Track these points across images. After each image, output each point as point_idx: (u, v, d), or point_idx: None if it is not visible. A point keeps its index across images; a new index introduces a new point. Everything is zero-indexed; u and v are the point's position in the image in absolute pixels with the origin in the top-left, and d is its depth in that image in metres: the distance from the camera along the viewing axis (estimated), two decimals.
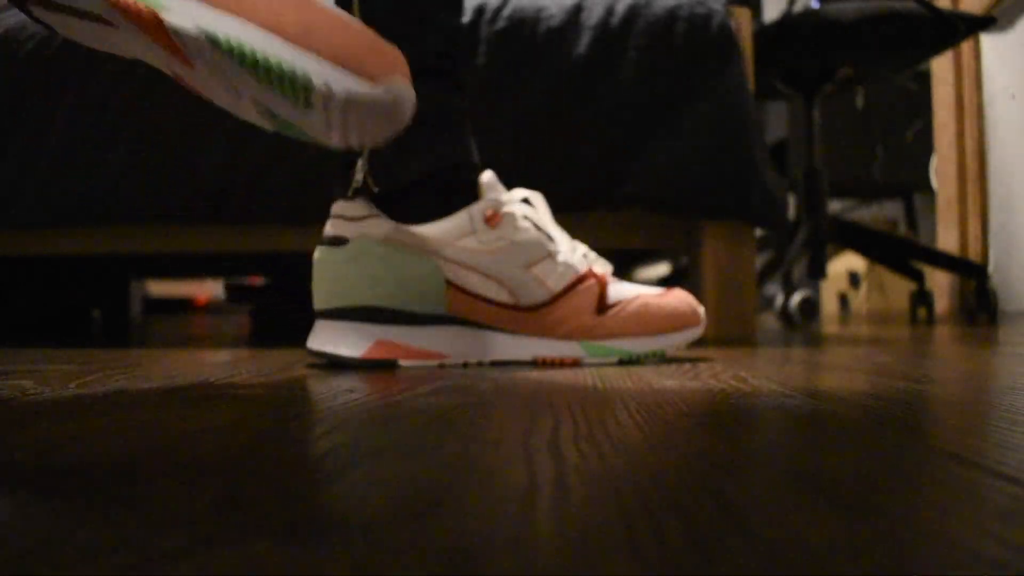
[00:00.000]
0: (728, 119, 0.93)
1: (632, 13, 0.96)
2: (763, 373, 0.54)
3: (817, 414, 0.34)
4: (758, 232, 1.04)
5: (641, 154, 0.93)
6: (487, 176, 0.64)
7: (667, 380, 0.49)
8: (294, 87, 0.34)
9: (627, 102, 0.93)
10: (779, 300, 1.43)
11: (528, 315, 0.63)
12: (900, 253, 1.63)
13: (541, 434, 0.30)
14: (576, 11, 0.97)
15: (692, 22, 0.95)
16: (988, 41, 1.85)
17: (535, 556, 0.16)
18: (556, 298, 0.63)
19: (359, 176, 0.60)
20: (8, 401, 0.40)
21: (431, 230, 0.61)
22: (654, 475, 0.23)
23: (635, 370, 0.57)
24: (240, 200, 0.95)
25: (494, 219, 0.62)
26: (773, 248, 1.48)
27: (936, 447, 0.27)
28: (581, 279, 0.64)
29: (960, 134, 1.94)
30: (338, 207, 0.60)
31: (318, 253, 0.61)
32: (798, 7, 1.37)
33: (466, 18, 0.96)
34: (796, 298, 1.40)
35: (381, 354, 0.60)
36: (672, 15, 0.95)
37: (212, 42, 0.35)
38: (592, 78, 0.94)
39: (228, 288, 2.23)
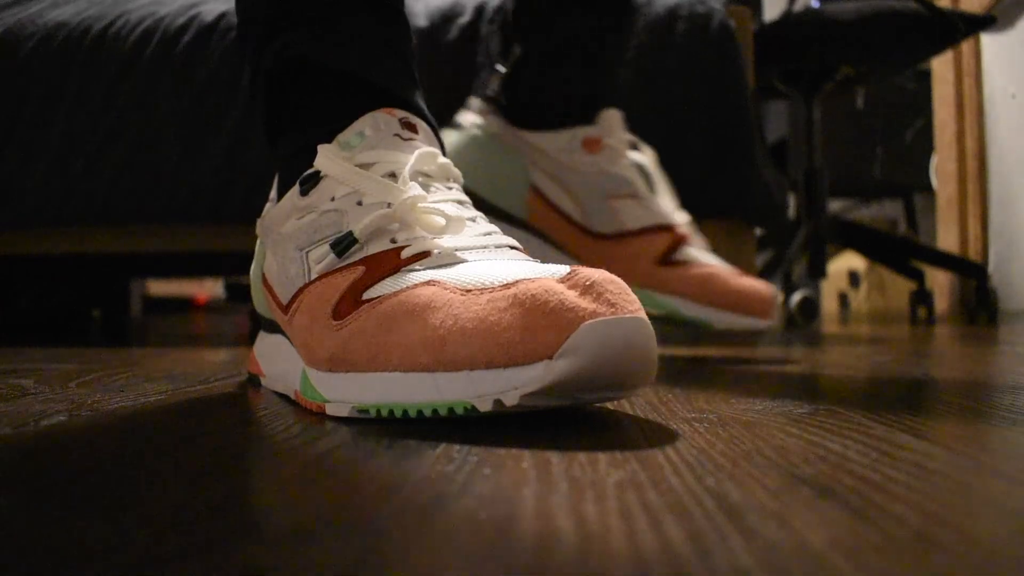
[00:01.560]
0: (728, 118, 0.93)
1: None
2: (763, 373, 0.54)
3: (817, 414, 0.34)
4: (758, 232, 1.04)
5: None
6: (611, 112, 0.67)
7: (665, 379, 0.49)
8: (461, 411, 0.30)
9: (627, 101, 0.93)
10: (779, 300, 1.43)
11: (593, 243, 0.64)
12: (900, 253, 1.63)
13: (540, 433, 0.30)
14: None
15: (692, 21, 0.95)
16: (988, 41, 1.85)
17: (535, 556, 0.16)
18: (623, 235, 0.63)
19: (493, 88, 0.67)
20: (8, 400, 0.40)
21: (533, 137, 0.65)
22: (654, 475, 0.23)
23: None
24: (240, 200, 0.95)
25: (594, 145, 0.65)
26: (773, 248, 1.48)
27: (936, 447, 0.27)
28: (656, 228, 0.64)
29: (960, 134, 1.94)
30: (471, 103, 0.68)
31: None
32: (798, 7, 1.37)
33: (466, 18, 0.96)
34: (796, 298, 1.40)
35: None
36: (672, 14, 0.95)
37: (361, 412, 0.33)
38: None
39: (228, 287, 2.24)
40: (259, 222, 0.45)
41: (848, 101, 2.27)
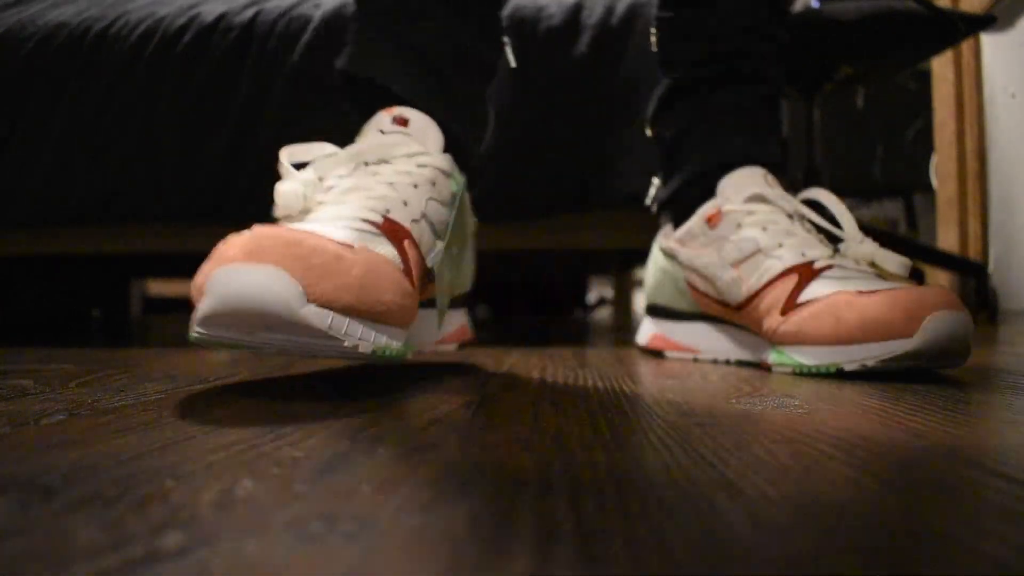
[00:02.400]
0: None
1: (632, 12, 0.96)
2: (763, 373, 0.54)
3: (817, 414, 0.34)
4: None
5: (641, 153, 0.93)
6: (734, 175, 0.64)
7: (667, 380, 0.49)
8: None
9: (627, 101, 0.93)
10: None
11: (738, 315, 0.60)
12: (900, 252, 1.63)
13: (541, 433, 0.30)
14: (576, 10, 0.97)
15: None
16: (988, 41, 1.85)
17: (534, 556, 0.16)
18: (752, 297, 0.58)
19: (654, 198, 0.73)
20: (8, 400, 0.40)
21: (678, 234, 0.68)
22: (654, 475, 0.23)
23: (635, 369, 0.57)
24: (240, 200, 0.95)
25: (714, 219, 0.63)
26: None
27: (936, 447, 0.27)
28: (782, 274, 0.56)
29: (960, 133, 1.94)
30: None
31: None
32: (798, 6, 1.37)
33: None
34: None
35: (655, 345, 0.70)
36: None
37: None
38: (592, 77, 0.94)
39: None
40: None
41: (848, 101, 2.27)
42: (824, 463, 0.24)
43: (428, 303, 0.51)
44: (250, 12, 0.99)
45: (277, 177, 0.49)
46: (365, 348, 0.38)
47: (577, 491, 0.21)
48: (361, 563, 0.16)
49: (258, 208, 0.96)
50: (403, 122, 0.45)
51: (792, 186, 1.79)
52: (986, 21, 1.35)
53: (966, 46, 1.90)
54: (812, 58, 1.37)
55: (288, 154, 0.46)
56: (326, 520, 0.19)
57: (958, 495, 0.20)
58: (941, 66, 2.03)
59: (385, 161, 0.44)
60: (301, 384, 0.47)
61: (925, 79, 2.14)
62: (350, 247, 0.39)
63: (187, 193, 0.96)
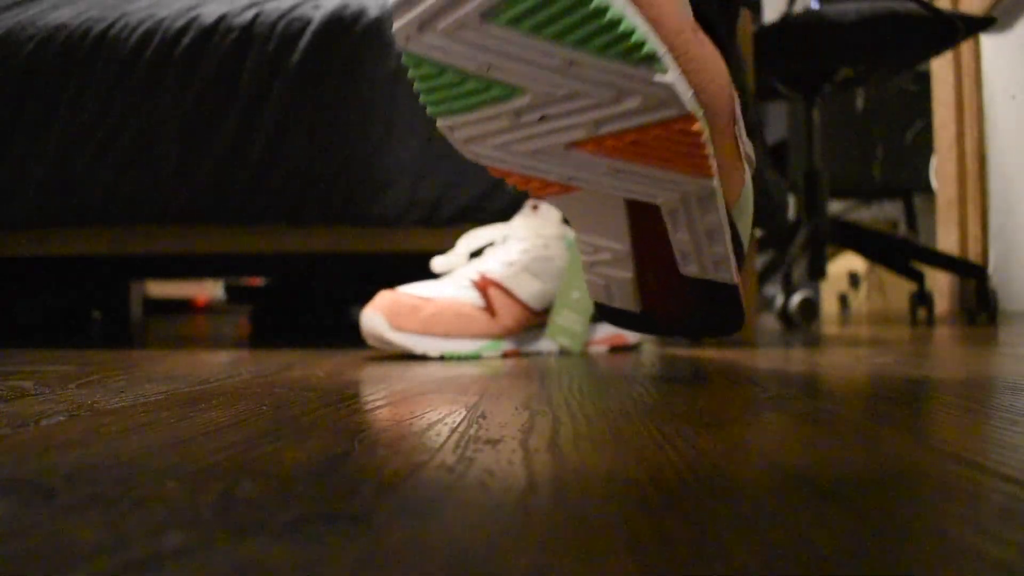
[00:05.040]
0: None
1: None
2: (762, 373, 0.54)
3: (817, 414, 0.34)
4: (758, 233, 1.04)
5: None
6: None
7: (667, 380, 0.49)
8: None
9: None
10: (779, 301, 1.43)
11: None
12: (900, 254, 1.63)
13: (540, 433, 0.30)
14: None
15: None
16: (988, 41, 1.85)
17: (535, 556, 0.16)
18: None
19: None
20: (9, 401, 0.40)
21: None
22: (654, 475, 0.23)
23: (634, 370, 0.57)
24: (240, 200, 0.95)
25: None
26: (773, 248, 1.48)
27: (936, 447, 0.27)
28: None
29: (960, 134, 1.94)
30: None
31: None
32: (798, 7, 1.37)
33: None
34: (796, 299, 1.40)
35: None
36: None
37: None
38: None
39: (228, 289, 2.24)
40: None
41: (848, 102, 2.27)
42: (824, 463, 0.24)
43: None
44: (250, 13, 0.99)
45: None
46: (432, 353, 0.67)
47: (577, 491, 0.21)
48: (361, 563, 0.16)
49: (258, 208, 0.96)
50: (535, 208, 0.75)
51: (792, 188, 1.79)
52: (986, 22, 1.35)
53: (966, 47, 1.90)
54: (812, 60, 1.37)
55: (466, 242, 0.76)
56: (326, 520, 0.19)
57: (958, 495, 0.20)
58: (941, 67, 2.03)
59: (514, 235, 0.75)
60: (300, 386, 0.47)
61: (925, 80, 2.14)
62: (428, 299, 0.69)
63: (187, 194, 0.96)
